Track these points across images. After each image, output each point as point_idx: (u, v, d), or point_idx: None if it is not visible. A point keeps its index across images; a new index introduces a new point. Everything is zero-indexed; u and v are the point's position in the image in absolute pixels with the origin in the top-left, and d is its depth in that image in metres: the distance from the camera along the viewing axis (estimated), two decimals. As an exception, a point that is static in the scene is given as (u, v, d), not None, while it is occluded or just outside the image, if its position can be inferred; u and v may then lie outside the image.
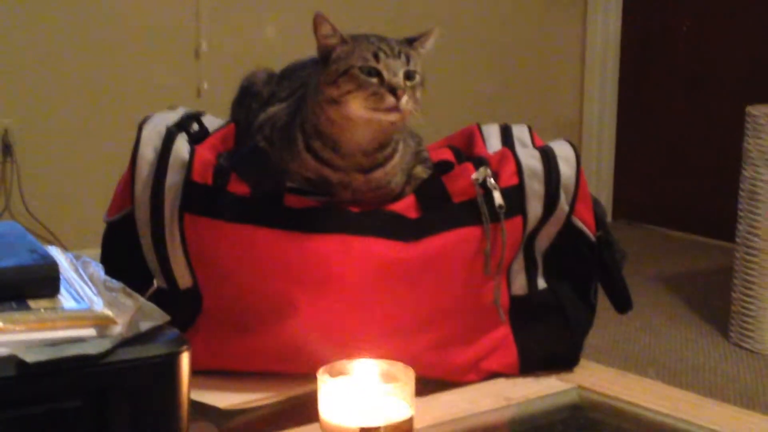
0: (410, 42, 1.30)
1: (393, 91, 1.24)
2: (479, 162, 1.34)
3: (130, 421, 0.94)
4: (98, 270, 1.09)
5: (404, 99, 1.24)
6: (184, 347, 0.97)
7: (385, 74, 1.24)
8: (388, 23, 3.62)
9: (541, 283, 1.35)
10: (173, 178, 1.27)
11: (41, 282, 0.99)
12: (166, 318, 1.01)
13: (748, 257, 2.90)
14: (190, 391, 0.98)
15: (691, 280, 3.57)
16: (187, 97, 3.37)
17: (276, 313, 1.27)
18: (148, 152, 1.29)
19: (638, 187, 4.35)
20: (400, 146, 1.33)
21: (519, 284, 1.34)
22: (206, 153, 1.31)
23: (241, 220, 1.26)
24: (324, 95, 1.27)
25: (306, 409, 1.16)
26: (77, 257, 1.12)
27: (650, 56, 4.27)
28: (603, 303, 1.40)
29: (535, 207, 1.32)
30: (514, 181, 1.32)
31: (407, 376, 1.10)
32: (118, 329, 0.95)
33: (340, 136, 1.29)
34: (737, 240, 2.95)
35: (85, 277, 1.06)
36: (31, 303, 0.96)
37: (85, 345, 0.93)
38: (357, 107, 1.25)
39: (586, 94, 4.41)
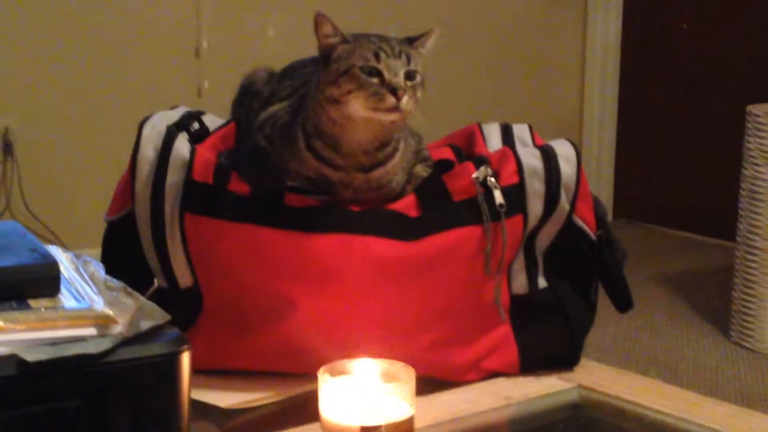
0: (411, 42, 1.30)
1: (393, 91, 1.24)
2: (480, 161, 1.34)
3: (130, 420, 0.94)
4: (99, 269, 1.09)
5: (405, 99, 1.24)
6: (185, 347, 0.97)
7: (386, 74, 1.24)
8: (388, 23, 3.62)
9: (542, 282, 1.35)
10: (174, 177, 1.27)
11: (42, 281, 0.99)
12: (167, 317, 1.01)
13: (748, 256, 2.90)
14: (190, 390, 0.98)
15: (691, 279, 3.57)
16: (187, 96, 3.37)
17: (277, 313, 1.27)
18: (149, 151, 1.29)
19: (639, 186, 4.35)
20: (401, 145, 1.33)
21: (519, 283, 1.34)
22: (207, 152, 1.31)
23: (242, 219, 1.26)
24: (325, 94, 1.27)
25: (307, 408, 1.16)
26: (78, 256, 1.12)
27: (650, 55, 4.27)
28: (603, 302, 1.40)
29: (535, 206, 1.32)
30: (515, 180, 1.32)
31: (408, 375, 1.10)
32: (118, 329, 0.95)
33: (341, 135, 1.29)
34: (738, 239, 2.95)
35: (86, 277, 1.06)
36: (32, 302, 0.96)
37: (85, 344, 0.93)
38: (358, 107, 1.25)
39: (586, 93, 4.41)
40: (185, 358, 0.97)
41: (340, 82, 1.26)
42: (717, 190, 3.97)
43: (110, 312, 0.96)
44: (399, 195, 1.34)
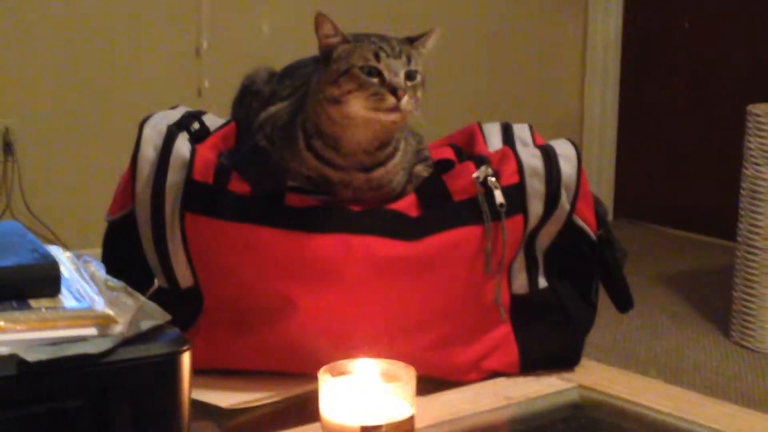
0: (411, 42, 1.30)
1: (394, 91, 1.24)
2: (480, 161, 1.33)
3: (131, 420, 0.94)
4: (99, 269, 1.09)
5: (405, 99, 1.24)
6: (185, 346, 0.97)
7: (386, 74, 1.25)
8: (388, 23, 3.61)
9: (542, 282, 1.35)
10: (174, 177, 1.27)
11: (42, 281, 0.99)
12: (167, 317, 1.01)
13: (749, 256, 2.90)
14: (191, 390, 0.98)
15: (692, 278, 3.57)
16: (187, 96, 3.36)
17: (277, 312, 1.27)
18: (149, 151, 1.29)
19: (639, 186, 4.35)
20: (401, 145, 1.33)
21: (520, 283, 1.34)
22: (207, 152, 1.31)
23: (242, 219, 1.26)
24: (325, 94, 1.27)
25: (307, 408, 1.16)
26: (78, 256, 1.12)
27: (651, 55, 4.27)
28: (604, 302, 1.40)
29: (536, 206, 1.32)
30: (515, 179, 1.32)
31: (408, 375, 1.10)
32: (119, 328, 0.95)
33: (341, 135, 1.29)
34: (738, 239, 2.95)
35: (86, 277, 1.06)
36: (32, 302, 0.96)
37: (86, 344, 0.93)
38: (358, 107, 1.25)
39: (587, 92, 4.41)
40: (186, 358, 0.97)
41: (340, 81, 1.26)
42: (717, 189, 3.97)
43: (111, 312, 0.96)
44: (399, 195, 1.33)
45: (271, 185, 1.29)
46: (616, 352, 2.86)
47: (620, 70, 4.38)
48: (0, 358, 0.90)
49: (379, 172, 1.31)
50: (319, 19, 1.28)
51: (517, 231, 1.31)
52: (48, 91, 3.23)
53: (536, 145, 1.38)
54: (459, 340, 1.31)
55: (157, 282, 1.31)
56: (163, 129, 1.31)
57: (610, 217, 3.20)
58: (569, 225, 1.34)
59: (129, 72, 3.34)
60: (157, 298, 1.23)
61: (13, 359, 0.90)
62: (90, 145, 3.30)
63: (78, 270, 1.08)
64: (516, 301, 1.34)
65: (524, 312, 1.34)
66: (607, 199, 4.33)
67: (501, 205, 1.29)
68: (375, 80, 1.25)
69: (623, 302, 1.41)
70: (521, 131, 1.43)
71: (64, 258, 1.09)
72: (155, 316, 1.00)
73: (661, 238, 4.13)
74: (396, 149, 1.32)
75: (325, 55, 1.29)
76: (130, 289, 1.05)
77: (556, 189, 1.32)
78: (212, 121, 1.43)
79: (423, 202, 1.31)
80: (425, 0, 3.88)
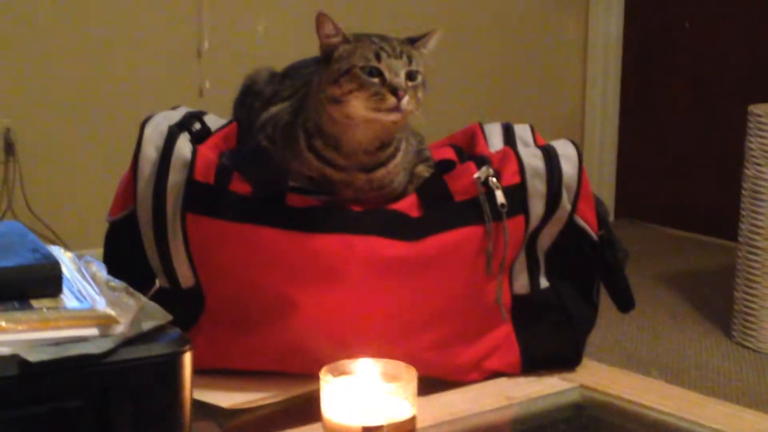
0: (412, 42, 1.30)
1: (394, 91, 1.24)
2: (481, 161, 1.34)
3: (132, 420, 0.94)
4: (101, 269, 1.09)
5: (405, 99, 1.24)
6: (187, 347, 0.97)
7: (387, 74, 1.25)
8: (389, 23, 3.61)
9: (544, 283, 1.35)
10: (175, 177, 1.27)
11: (44, 281, 0.99)
12: (169, 317, 1.01)
13: (750, 256, 2.90)
14: (192, 390, 0.98)
15: (693, 278, 3.57)
16: (189, 96, 3.37)
17: (278, 313, 1.27)
18: (150, 151, 1.29)
19: (640, 186, 4.35)
20: (402, 145, 1.33)
21: (521, 283, 1.34)
22: (208, 152, 1.31)
23: (243, 219, 1.27)
24: (326, 94, 1.27)
25: (308, 408, 1.16)
26: (79, 257, 1.12)
27: (652, 55, 4.27)
28: (605, 302, 1.40)
29: (537, 206, 1.32)
30: (516, 180, 1.32)
31: (409, 375, 1.10)
32: (120, 329, 0.96)
33: (342, 135, 1.29)
34: (739, 239, 2.95)
35: (88, 277, 1.06)
36: (34, 302, 0.96)
37: (87, 344, 0.93)
38: (358, 107, 1.25)
39: (588, 92, 4.41)
40: (187, 358, 0.97)
41: (341, 81, 1.26)
42: (718, 189, 3.97)
43: (112, 312, 0.96)
44: (400, 195, 1.33)
45: (272, 185, 1.29)
46: (618, 352, 2.86)
47: (621, 70, 4.38)
48: (1, 359, 0.90)
49: (380, 173, 1.31)
50: (320, 19, 1.28)
51: (518, 231, 1.31)
52: (49, 92, 3.23)
53: (537, 146, 1.38)
54: (460, 340, 1.31)
55: (158, 282, 1.31)
56: (165, 129, 1.31)
57: (611, 217, 3.20)
58: (570, 225, 1.34)
59: (130, 73, 3.35)
60: (159, 298, 1.23)
61: (15, 359, 0.90)
62: (91, 146, 3.30)
63: (79, 270, 1.08)
64: (517, 301, 1.34)
65: (525, 312, 1.34)
66: (609, 200, 4.33)
67: (502, 205, 1.29)
68: (376, 80, 1.25)
69: (624, 302, 1.41)
70: (522, 131, 1.43)
71: (65, 258, 1.09)
72: (156, 316, 1.00)
73: (662, 238, 4.13)
74: (397, 149, 1.32)
75: (326, 55, 1.29)
76: (131, 290, 1.05)
77: (558, 189, 1.32)
78: (213, 121, 1.43)
79: (424, 202, 1.31)
80: (426, 0, 3.88)
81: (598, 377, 1.35)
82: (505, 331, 1.34)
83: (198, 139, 1.36)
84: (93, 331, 0.95)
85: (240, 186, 1.28)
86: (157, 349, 0.96)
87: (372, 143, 1.30)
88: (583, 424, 1.32)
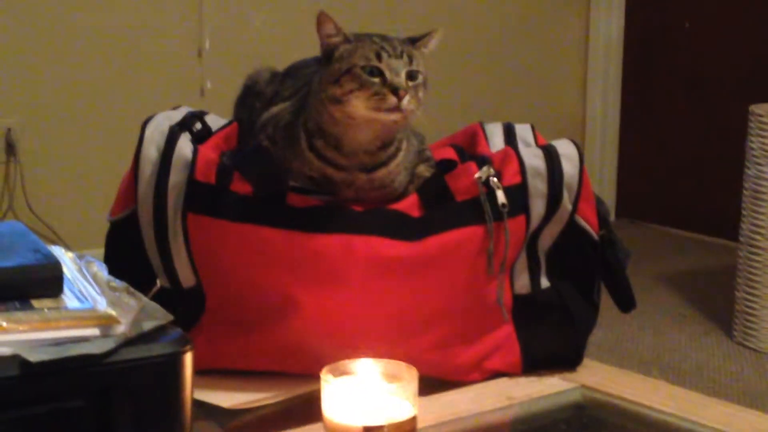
0: (413, 42, 1.30)
1: (395, 91, 1.24)
2: (482, 161, 1.34)
3: (133, 420, 0.94)
4: (101, 269, 1.09)
5: (406, 99, 1.24)
6: (188, 347, 0.97)
7: (387, 74, 1.25)
8: (390, 22, 3.61)
9: (545, 282, 1.35)
10: (176, 177, 1.28)
11: (45, 282, 0.99)
12: (170, 317, 1.01)
13: (751, 256, 2.90)
14: (193, 390, 0.98)
15: (694, 278, 3.57)
16: (190, 96, 3.36)
17: (279, 313, 1.27)
18: (151, 151, 1.29)
19: (641, 186, 4.34)
20: (403, 145, 1.33)
21: (522, 283, 1.34)
22: (209, 152, 1.31)
23: (244, 219, 1.27)
24: (327, 94, 1.27)
25: (309, 408, 1.16)
26: (80, 257, 1.12)
27: (653, 55, 4.27)
28: (606, 302, 1.40)
29: (538, 206, 1.32)
30: (517, 180, 1.32)
31: (410, 375, 1.10)
32: (121, 329, 0.96)
33: (343, 135, 1.29)
34: (740, 239, 2.95)
35: (89, 277, 1.06)
36: (35, 303, 0.97)
37: (88, 345, 0.93)
38: (359, 107, 1.25)
39: (589, 92, 4.40)
40: (188, 358, 0.97)
41: (341, 81, 1.26)
42: (720, 189, 3.96)
43: (113, 312, 0.97)
44: (401, 195, 1.33)
45: (273, 185, 1.29)
46: (619, 352, 2.86)
47: (622, 70, 4.37)
48: (2, 359, 0.90)
49: (381, 172, 1.31)
50: (321, 19, 1.28)
51: (519, 231, 1.31)
52: (50, 92, 3.23)
53: (538, 145, 1.38)
54: (461, 340, 1.31)
55: (159, 282, 1.31)
56: (166, 129, 1.31)
57: (612, 217, 3.20)
58: (571, 225, 1.34)
59: (131, 73, 3.34)
60: (160, 298, 1.23)
61: (16, 360, 0.90)
62: (92, 146, 3.30)
63: (80, 270, 1.08)
64: (518, 301, 1.34)
65: (526, 312, 1.34)
66: (609, 199, 4.32)
67: (503, 205, 1.29)
68: (376, 80, 1.25)
69: (625, 302, 1.41)
70: (523, 131, 1.43)
71: (66, 258, 1.09)
72: (157, 316, 1.00)
73: (663, 238, 4.13)
74: (398, 149, 1.32)
75: (327, 55, 1.29)
76: (132, 290, 1.05)
77: (559, 189, 1.32)
78: (214, 121, 1.43)
79: (425, 202, 1.31)
80: (426, 0, 3.87)
81: (599, 377, 1.35)
82: (506, 331, 1.34)
83: (199, 139, 1.36)
84: (94, 331, 0.95)
85: (241, 186, 1.28)
86: (157, 349, 0.96)
87: (373, 143, 1.30)
88: (583, 424, 1.32)
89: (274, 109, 1.38)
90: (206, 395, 1.24)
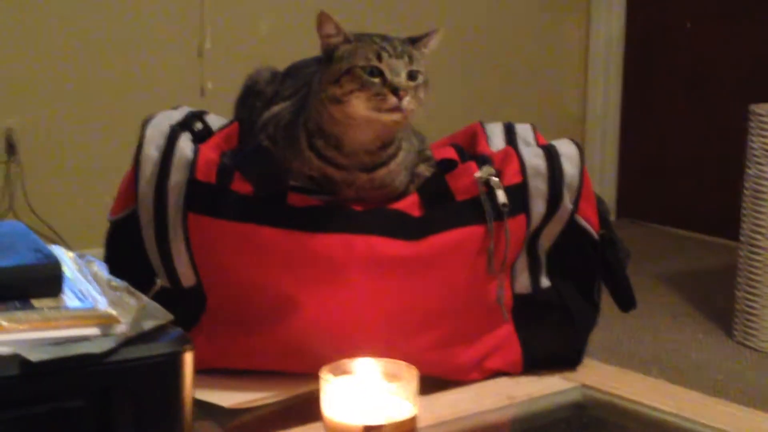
0: (413, 42, 1.30)
1: (395, 91, 1.24)
2: (483, 160, 1.34)
3: (133, 420, 0.94)
4: (102, 269, 1.09)
5: (406, 99, 1.24)
6: (188, 346, 0.97)
7: (388, 74, 1.24)
8: (390, 22, 3.61)
9: (545, 282, 1.35)
10: (177, 177, 1.28)
11: (45, 281, 0.99)
12: (170, 317, 1.01)
13: (751, 255, 2.90)
14: (193, 390, 0.98)
15: (694, 278, 3.57)
16: (190, 96, 3.36)
17: (279, 312, 1.27)
18: (152, 151, 1.29)
19: (641, 186, 4.34)
20: (404, 145, 1.33)
21: (522, 283, 1.34)
22: (210, 152, 1.31)
23: (245, 218, 1.27)
24: (327, 94, 1.27)
25: (309, 407, 1.16)
26: (81, 256, 1.12)
27: (653, 54, 4.27)
28: (606, 301, 1.40)
29: (538, 205, 1.32)
30: (518, 179, 1.32)
31: (410, 374, 1.10)
32: (121, 328, 0.96)
33: (343, 134, 1.29)
34: (741, 238, 2.94)
35: (89, 276, 1.06)
36: (35, 302, 0.97)
37: (88, 344, 0.93)
38: (359, 107, 1.25)
39: (589, 92, 4.40)
40: (188, 358, 0.97)
41: (342, 81, 1.26)
42: (719, 189, 3.96)
43: (113, 312, 0.97)
44: (402, 194, 1.33)
45: (273, 185, 1.29)
46: (619, 351, 2.86)
47: (623, 69, 4.37)
48: (2, 358, 0.90)
49: (381, 172, 1.31)
50: (322, 18, 1.28)
51: (519, 231, 1.31)
52: (51, 92, 3.23)
53: (539, 145, 1.38)
54: (461, 339, 1.31)
55: (159, 281, 1.31)
56: (166, 129, 1.31)
57: (612, 216, 3.20)
58: (572, 225, 1.34)
59: (131, 72, 3.34)
60: (160, 297, 1.23)
61: (16, 359, 0.90)
62: (92, 146, 3.30)
63: (80, 270, 1.08)
64: (518, 300, 1.34)
65: (527, 312, 1.34)
66: (610, 199, 4.32)
67: (503, 204, 1.29)
68: (377, 80, 1.25)
69: (626, 302, 1.41)
70: (524, 131, 1.43)
71: (66, 258, 1.09)
72: (158, 315, 1.00)
73: (663, 238, 4.13)
74: (398, 149, 1.32)
75: (327, 55, 1.29)
76: (132, 289, 1.05)
77: (559, 189, 1.32)
78: (215, 121, 1.43)
79: (425, 201, 1.31)
80: (426, 0, 3.87)
81: (599, 376, 1.35)
82: (506, 330, 1.34)
83: (199, 138, 1.36)
84: (94, 331, 0.95)
85: (241, 186, 1.28)
86: (158, 348, 0.96)
87: (373, 143, 1.30)
88: (584, 423, 1.32)
89: (275, 109, 1.38)
90: (206, 395, 1.24)
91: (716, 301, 3.24)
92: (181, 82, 3.42)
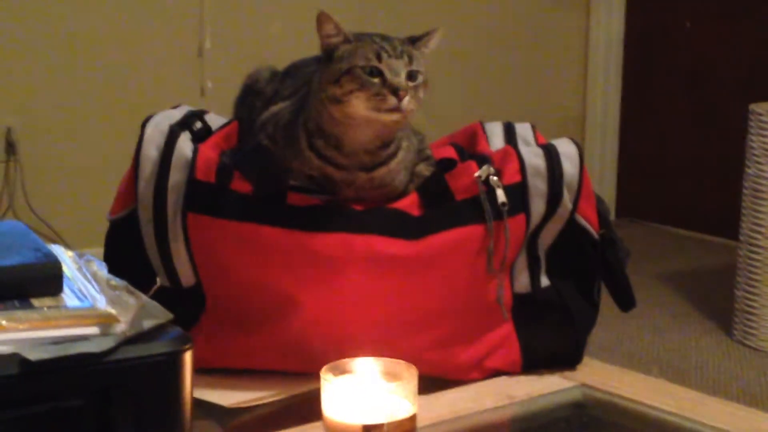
0: (413, 42, 1.30)
1: (395, 91, 1.24)
2: (482, 160, 1.34)
3: (133, 419, 0.94)
4: (101, 268, 1.09)
5: (406, 99, 1.24)
6: (188, 345, 0.97)
7: (388, 74, 1.24)
8: (390, 22, 3.61)
9: (545, 281, 1.35)
10: (176, 176, 1.28)
11: (44, 280, 0.99)
12: (169, 316, 1.01)
13: (751, 255, 2.90)
14: (193, 389, 0.98)
15: (694, 277, 3.57)
16: (190, 95, 3.36)
17: (279, 311, 1.27)
18: (152, 151, 1.29)
19: (641, 185, 4.34)
20: (403, 144, 1.33)
21: (522, 282, 1.34)
22: (209, 151, 1.31)
23: (244, 218, 1.27)
24: (327, 94, 1.27)
25: (309, 407, 1.16)
26: (80, 255, 1.12)
27: (653, 53, 4.27)
28: (606, 301, 1.40)
29: (538, 205, 1.32)
30: (518, 178, 1.32)
31: (410, 374, 1.10)
32: (121, 327, 0.96)
33: (343, 134, 1.29)
34: (741, 238, 2.95)
35: (89, 276, 1.06)
36: (35, 301, 0.96)
37: (88, 343, 0.93)
38: (359, 107, 1.25)
39: (589, 91, 4.41)
40: (188, 357, 0.97)
41: (341, 81, 1.26)
42: (719, 188, 3.96)
43: (113, 311, 0.97)
44: (401, 194, 1.33)
45: (273, 184, 1.29)
46: (618, 351, 2.86)
47: (623, 68, 4.37)
48: (2, 357, 0.90)
49: (381, 172, 1.31)
50: (321, 18, 1.28)
51: (519, 230, 1.31)
52: (50, 91, 3.23)
53: (538, 144, 1.38)
54: (461, 339, 1.31)
55: (159, 281, 1.31)
56: (166, 128, 1.31)
57: (612, 216, 3.19)
58: (571, 224, 1.34)
59: (131, 72, 3.35)
60: (159, 297, 1.23)
61: (15, 358, 0.90)
62: (92, 145, 3.30)
63: (80, 269, 1.08)
64: (518, 300, 1.34)
65: (526, 311, 1.34)
66: (610, 198, 4.33)
67: (503, 204, 1.29)
68: (376, 80, 1.24)
69: (626, 301, 1.41)
70: (523, 130, 1.43)
71: (66, 257, 1.09)
72: (157, 315, 1.00)
73: (663, 237, 4.13)
74: (398, 148, 1.32)
75: (327, 55, 1.29)
76: (132, 288, 1.05)
77: (559, 188, 1.32)
78: (214, 120, 1.43)
79: (425, 201, 1.31)
80: (426, 0, 3.87)
81: (599, 376, 1.35)
82: (506, 330, 1.34)
83: (199, 138, 1.36)
84: (94, 330, 0.95)
85: (241, 185, 1.28)
86: (157, 348, 0.96)
87: (373, 142, 1.30)
88: (583, 422, 1.32)
89: (274, 108, 1.38)
90: (206, 394, 1.24)
91: (716, 301, 3.25)
92: (181, 82, 3.42)
